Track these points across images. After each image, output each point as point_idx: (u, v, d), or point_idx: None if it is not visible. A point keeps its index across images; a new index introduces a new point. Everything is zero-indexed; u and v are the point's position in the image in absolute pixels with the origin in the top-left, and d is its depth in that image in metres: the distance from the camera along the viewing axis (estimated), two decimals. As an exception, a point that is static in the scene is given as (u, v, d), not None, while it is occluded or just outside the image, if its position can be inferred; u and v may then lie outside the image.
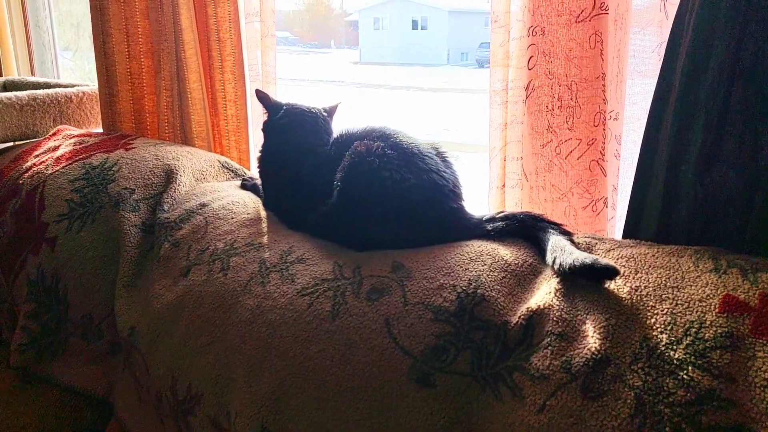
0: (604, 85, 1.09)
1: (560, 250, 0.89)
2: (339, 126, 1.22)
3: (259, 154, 1.27)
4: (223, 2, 1.54)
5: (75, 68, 2.87)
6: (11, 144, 1.76)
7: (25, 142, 1.74)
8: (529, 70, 1.12)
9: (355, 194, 1.04)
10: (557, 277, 0.88)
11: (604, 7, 1.06)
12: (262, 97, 1.24)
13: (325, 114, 1.24)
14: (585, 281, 0.86)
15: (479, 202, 1.31)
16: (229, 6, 1.55)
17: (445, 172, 1.07)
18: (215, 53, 1.58)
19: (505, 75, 1.20)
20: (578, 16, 1.07)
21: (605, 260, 0.85)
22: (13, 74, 2.39)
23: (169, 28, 1.60)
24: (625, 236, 1.03)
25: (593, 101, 1.10)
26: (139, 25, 1.67)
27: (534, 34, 1.10)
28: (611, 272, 0.83)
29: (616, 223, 1.19)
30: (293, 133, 1.20)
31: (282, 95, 1.28)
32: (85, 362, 1.29)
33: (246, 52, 1.59)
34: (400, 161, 1.04)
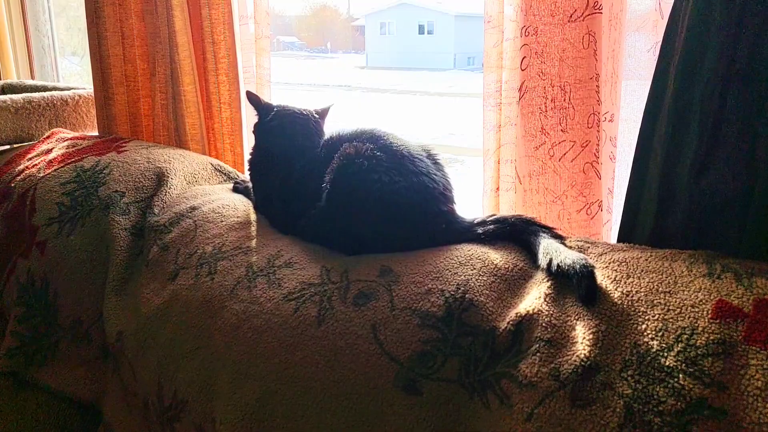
0: (598, 86, 1.07)
1: (555, 251, 0.87)
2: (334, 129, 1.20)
3: (250, 156, 1.25)
4: (217, 4, 1.53)
5: (83, 73, 2.88)
6: (7, 147, 1.75)
7: (20, 145, 1.73)
8: (522, 71, 1.10)
9: (344, 197, 1.03)
10: (549, 280, 0.86)
11: (597, 6, 1.04)
12: (252, 98, 1.23)
13: (316, 116, 1.22)
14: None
15: (476, 205, 1.29)
16: (223, 8, 1.53)
17: (435, 174, 1.05)
18: (209, 56, 1.57)
19: (498, 76, 1.18)
20: (571, 16, 1.05)
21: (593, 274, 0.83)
22: (12, 78, 2.39)
23: (164, 30, 1.59)
24: (620, 240, 1.00)
25: (587, 102, 1.07)
26: (134, 28, 1.66)
27: (527, 34, 1.09)
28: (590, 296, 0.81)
29: (612, 227, 1.17)
30: (283, 136, 1.18)
31: (288, 100, 1.26)
32: (74, 367, 1.27)
33: (240, 54, 1.58)
34: (389, 163, 1.02)
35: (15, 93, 1.82)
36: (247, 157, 1.59)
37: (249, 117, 1.61)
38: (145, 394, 1.09)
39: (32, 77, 2.53)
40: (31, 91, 1.89)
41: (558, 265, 0.84)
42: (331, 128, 1.21)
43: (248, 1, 1.56)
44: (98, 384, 1.26)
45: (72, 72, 2.87)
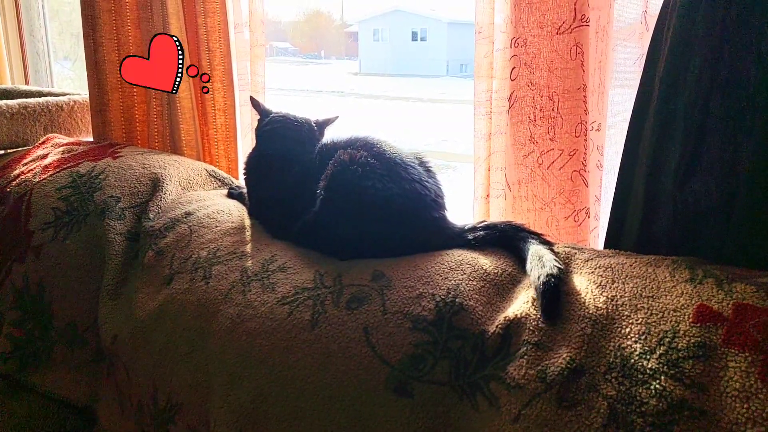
0: (585, 96, 1.09)
1: (537, 260, 0.89)
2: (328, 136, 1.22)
3: (246, 159, 1.27)
4: (213, 12, 1.55)
5: (75, 77, 2.88)
6: (1, 152, 1.76)
7: (15, 150, 1.74)
8: (512, 81, 1.13)
9: (338, 203, 1.05)
10: (535, 286, 0.88)
11: (585, 19, 1.06)
12: (254, 103, 1.27)
13: (313, 125, 1.24)
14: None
15: (467, 212, 1.32)
16: (218, 16, 1.55)
17: (427, 181, 1.07)
18: (205, 63, 1.59)
19: (489, 86, 1.20)
20: (559, 28, 1.07)
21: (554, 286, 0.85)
22: (6, 83, 2.40)
23: (159, 37, 1.60)
24: (606, 246, 1.03)
25: (575, 112, 1.10)
26: (130, 35, 1.68)
27: (516, 45, 1.11)
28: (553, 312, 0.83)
29: (599, 234, 1.19)
30: (275, 141, 1.20)
31: (282, 106, 1.28)
32: (69, 370, 1.28)
33: (235, 61, 1.60)
34: (382, 170, 1.04)
35: (10, 98, 1.83)
36: (241, 163, 1.61)
37: (243, 124, 1.63)
38: (139, 397, 1.10)
39: (27, 82, 2.53)
40: (26, 97, 1.89)
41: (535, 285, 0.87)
42: (326, 135, 1.23)
43: (243, 9, 1.58)
44: (93, 387, 1.27)
45: (64, 77, 2.87)
